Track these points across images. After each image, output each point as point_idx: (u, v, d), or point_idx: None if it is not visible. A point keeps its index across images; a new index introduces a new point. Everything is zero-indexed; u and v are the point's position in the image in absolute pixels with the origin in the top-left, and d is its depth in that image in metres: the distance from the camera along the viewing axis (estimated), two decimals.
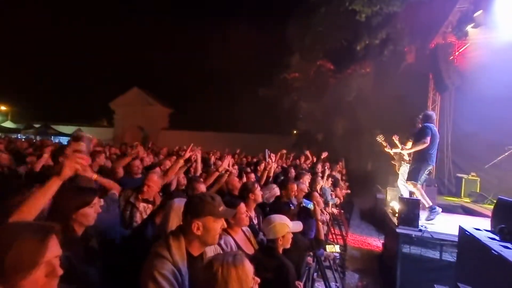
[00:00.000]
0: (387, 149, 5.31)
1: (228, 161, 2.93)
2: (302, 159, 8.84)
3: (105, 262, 1.45)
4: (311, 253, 2.56)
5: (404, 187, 4.95)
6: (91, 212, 1.44)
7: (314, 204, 2.45)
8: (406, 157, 5.05)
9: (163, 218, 1.49)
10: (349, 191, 8.67)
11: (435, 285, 2.06)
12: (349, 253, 6.08)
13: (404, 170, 5.12)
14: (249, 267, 1.09)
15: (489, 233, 2.65)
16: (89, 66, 28.75)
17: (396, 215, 4.45)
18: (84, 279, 1.21)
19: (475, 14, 6.45)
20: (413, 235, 4.14)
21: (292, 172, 4.74)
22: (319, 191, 5.13)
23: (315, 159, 8.15)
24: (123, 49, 29.39)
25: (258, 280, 1.11)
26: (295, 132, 15.77)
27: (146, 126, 22.55)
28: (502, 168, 7.59)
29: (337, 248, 2.91)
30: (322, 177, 5.73)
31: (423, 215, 4.64)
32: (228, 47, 21.93)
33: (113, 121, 24.71)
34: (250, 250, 1.89)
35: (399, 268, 4.17)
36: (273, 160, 4.32)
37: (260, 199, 2.50)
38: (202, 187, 2.61)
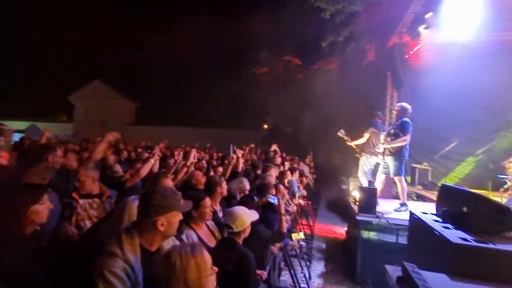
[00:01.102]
0: (349, 143, 5.57)
1: (193, 155, 2.90)
2: (271, 153, 9.01)
3: (57, 263, 1.37)
4: (276, 244, 2.64)
5: (363, 177, 5.29)
6: (42, 209, 1.35)
7: (278, 199, 2.52)
8: (382, 150, 5.14)
9: (116, 216, 1.43)
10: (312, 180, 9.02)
11: (385, 265, 2.23)
12: (316, 241, 6.37)
13: (363, 161, 5.43)
14: (207, 257, 1.10)
15: (434, 216, 2.93)
16: (45, 58, 26.10)
17: (357, 203, 4.75)
18: (28, 281, 1.13)
19: (426, 16, 6.97)
20: (373, 222, 4.45)
21: (260, 165, 4.81)
22: (286, 184, 5.29)
23: (282, 154, 8.34)
24: (83, 40, 27.12)
25: (216, 269, 1.12)
26: (265, 126, 15.97)
27: (110, 121, 21.28)
28: (449, 157, 8.52)
29: (301, 235, 3.04)
30: (291, 171, 5.91)
31: (391, 205, 5.02)
32: (196, 40, 21.33)
33: (73, 115, 22.95)
34: (214, 244, 1.89)
35: (359, 253, 4.46)
36: (240, 155, 4.34)
37: (226, 193, 2.51)
38: (169, 183, 2.57)
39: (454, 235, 2.26)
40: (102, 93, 22.04)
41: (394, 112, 4.93)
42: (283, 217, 2.45)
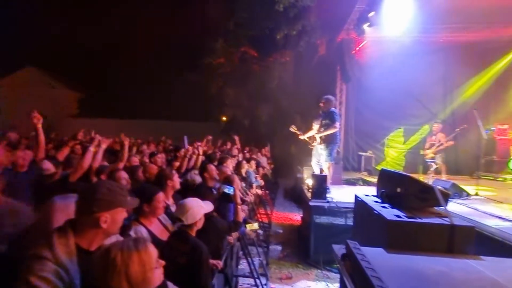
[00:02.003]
0: (301, 137, 5.90)
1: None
2: (229, 145, 9.01)
3: None
4: (233, 234, 2.66)
5: (316, 165, 5.64)
6: None
7: (234, 189, 2.54)
8: (318, 140, 5.61)
9: (41, 220, 1.29)
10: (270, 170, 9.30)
11: (333, 245, 2.41)
12: (273, 229, 6.62)
13: (315, 150, 5.79)
14: (152, 250, 1.05)
15: (374, 197, 3.26)
16: None
17: (310, 190, 5.03)
18: None
19: (369, 15, 7.57)
20: (324, 207, 4.77)
21: (216, 156, 4.76)
22: (244, 174, 5.34)
23: (239, 145, 8.40)
24: (11, 20, 22.95)
25: (163, 262, 1.08)
26: (224, 118, 15.80)
27: (48, 113, 18.77)
28: (389, 145, 9.61)
29: (256, 226, 3.12)
30: (247, 161, 5.98)
31: (340, 190, 5.44)
32: (148, 27, 19.85)
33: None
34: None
35: (312, 236, 4.77)
36: (197, 147, 4.25)
37: (178, 186, 2.44)
38: (124, 176, 2.42)
39: (390, 213, 2.54)
40: (36, 81, 19.37)
41: (321, 104, 5.37)
42: (239, 207, 2.48)
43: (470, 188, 5.03)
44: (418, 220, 2.38)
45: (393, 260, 2.10)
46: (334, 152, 5.41)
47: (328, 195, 4.84)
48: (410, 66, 8.41)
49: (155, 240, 1.61)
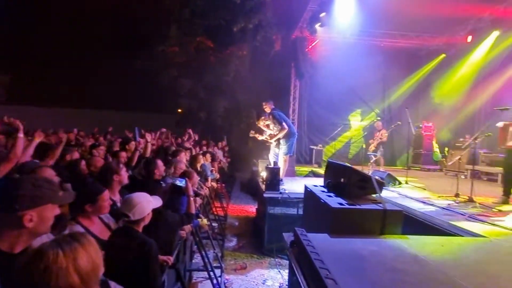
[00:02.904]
0: (260, 138, 6.08)
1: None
2: (186, 137, 8.73)
3: None
4: (185, 228, 2.62)
5: (273, 158, 5.85)
6: None
7: (186, 181, 2.48)
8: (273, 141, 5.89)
9: None
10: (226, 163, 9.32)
11: (283, 233, 2.55)
12: (229, 221, 6.68)
13: (273, 145, 6.00)
14: (95, 242, 0.97)
15: (322, 187, 3.51)
16: None
17: (264, 182, 5.19)
18: None
19: (321, 15, 7.98)
20: (278, 198, 4.96)
21: (170, 150, 4.59)
22: (199, 168, 5.25)
23: (196, 137, 8.23)
24: None
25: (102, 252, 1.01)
26: (179, 110, 15.16)
27: None
28: (336, 139, 10.41)
29: (205, 221, 3.12)
30: (203, 155, 5.89)
31: (293, 182, 5.70)
32: (91, 6, 17.72)
33: None
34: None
35: (266, 226, 4.94)
36: (150, 139, 4.04)
37: (126, 181, 2.30)
38: (50, 174, 2.15)
39: (334, 201, 2.76)
40: None
41: (266, 108, 5.63)
42: (192, 199, 2.44)
43: (402, 178, 5.74)
44: (357, 206, 2.65)
45: (335, 244, 2.31)
46: (293, 145, 5.70)
47: (281, 187, 5.04)
48: (355, 66, 9.19)
49: (96, 240, 1.51)
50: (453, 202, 3.98)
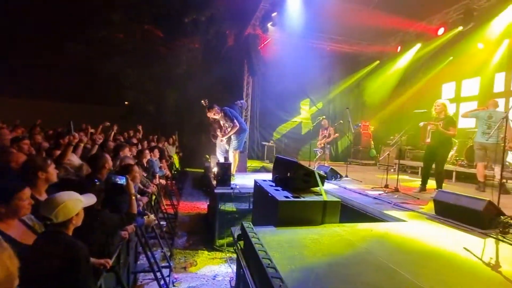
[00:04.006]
0: (214, 136, 6.03)
1: None
2: (132, 132, 8.17)
3: None
4: (128, 228, 2.47)
5: (220, 155, 5.86)
6: None
7: (127, 179, 2.32)
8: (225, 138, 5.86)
9: None
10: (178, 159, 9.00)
11: (231, 228, 2.59)
12: (180, 219, 6.49)
13: (221, 142, 6.00)
14: (9, 248, 0.85)
15: (270, 182, 3.65)
16: None
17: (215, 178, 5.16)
18: None
19: (273, 15, 8.17)
20: (229, 193, 4.99)
21: (111, 145, 4.24)
22: (146, 164, 4.98)
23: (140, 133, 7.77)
24: None
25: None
26: (126, 103, 14.01)
27: None
28: (288, 136, 10.90)
29: (152, 217, 2.98)
30: (151, 150, 5.59)
31: (245, 177, 5.75)
32: None
33: None
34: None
35: (217, 222, 4.94)
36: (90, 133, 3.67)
37: (54, 178, 2.06)
38: None
39: (281, 194, 2.91)
40: None
41: (215, 115, 5.58)
42: (133, 198, 2.29)
43: (343, 171, 6.30)
44: (302, 199, 2.83)
45: (281, 235, 2.44)
46: (243, 141, 5.75)
47: (232, 182, 5.08)
48: (304, 66, 9.71)
49: (15, 245, 1.33)
50: (382, 192, 4.51)
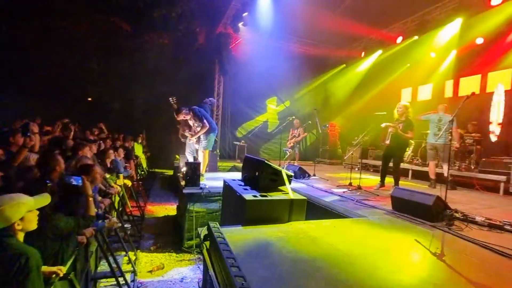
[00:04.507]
0: (183, 136, 5.89)
1: None
2: (96, 131, 7.69)
3: None
4: (86, 232, 2.33)
5: (189, 155, 5.75)
6: None
7: (83, 179, 2.18)
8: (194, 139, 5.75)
9: None
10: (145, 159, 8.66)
11: (198, 229, 2.55)
12: (147, 221, 6.25)
13: (190, 142, 5.88)
14: None
15: (239, 181, 3.66)
16: None
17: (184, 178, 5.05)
18: None
19: (244, 14, 8.17)
20: (198, 193, 4.90)
21: (70, 144, 3.96)
22: (109, 164, 4.73)
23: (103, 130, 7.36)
24: None
25: None
26: (89, 99, 13.10)
27: None
28: (258, 136, 11.01)
29: (114, 219, 2.83)
30: (115, 149, 5.32)
31: (215, 177, 5.68)
32: None
33: None
34: None
35: (186, 223, 4.84)
36: (37, 130, 3.37)
37: None
38: None
39: (249, 194, 2.93)
40: None
41: (185, 117, 5.50)
42: (91, 199, 2.16)
43: (311, 170, 6.51)
44: (269, 197, 2.88)
45: (247, 234, 2.47)
46: (213, 140, 5.67)
47: (202, 182, 5.01)
48: (275, 68, 9.89)
49: None
50: (347, 190, 4.75)
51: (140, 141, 10.35)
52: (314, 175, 6.39)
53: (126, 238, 4.30)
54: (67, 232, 1.89)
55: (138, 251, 4.62)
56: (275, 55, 9.65)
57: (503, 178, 5.34)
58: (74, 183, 2.09)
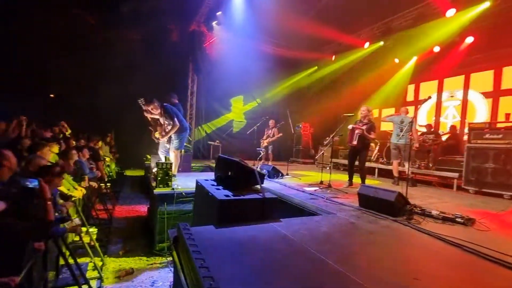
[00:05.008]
0: (155, 137, 5.69)
1: None
2: (57, 129, 7.19)
3: None
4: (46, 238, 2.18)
5: (162, 154, 5.58)
6: None
7: (39, 181, 2.03)
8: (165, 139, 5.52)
9: None
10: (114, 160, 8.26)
11: (169, 230, 2.50)
12: (116, 224, 5.98)
13: (163, 141, 5.72)
14: None
15: (212, 181, 3.63)
16: None
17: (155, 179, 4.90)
18: None
19: (217, 13, 8.11)
20: (171, 194, 4.78)
21: (26, 143, 3.67)
22: (73, 165, 4.45)
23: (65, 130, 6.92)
24: None
25: None
26: (52, 95, 12.16)
27: None
28: (233, 136, 10.99)
29: (76, 222, 2.67)
30: (79, 150, 5.01)
31: (188, 178, 5.54)
32: None
33: None
34: None
35: (157, 226, 4.70)
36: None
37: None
38: None
39: (221, 193, 2.92)
40: None
41: (153, 110, 5.22)
42: (49, 203, 2.01)
43: (284, 170, 6.64)
44: (242, 197, 2.89)
45: (219, 234, 2.46)
46: (184, 140, 5.53)
47: (174, 183, 4.89)
48: (249, 68, 9.95)
49: None
50: (318, 188, 4.92)
51: (108, 140, 9.85)
52: (288, 174, 6.52)
53: (91, 243, 4.08)
54: (21, 238, 1.75)
55: (105, 256, 4.41)
56: (249, 55, 9.69)
57: (455, 175, 5.85)
58: (30, 185, 1.94)
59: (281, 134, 8.51)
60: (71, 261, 2.86)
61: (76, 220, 2.60)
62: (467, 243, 2.51)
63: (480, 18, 6.96)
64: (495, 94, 7.33)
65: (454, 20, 7.43)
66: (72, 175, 4.30)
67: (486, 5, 6.79)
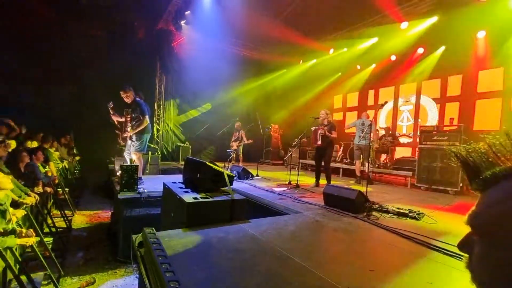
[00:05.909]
0: (122, 140, 5.41)
1: None
2: (4, 130, 6.52)
3: None
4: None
5: (128, 156, 5.32)
6: None
7: None
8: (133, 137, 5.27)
9: None
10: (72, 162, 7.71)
11: (132, 236, 2.41)
12: (76, 233, 5.58)
13: (129, 142, 5.46)
14: None
15: (180, 184, 3.57)
16: None
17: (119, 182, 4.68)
18: None
19: (186, 13, 7.96)
20: (136, 198, 4.59)
21: None
22: (23, 169, 4.09)
23: (21, 130, 6.34)
24: None
25: None
26: None
27: None
28: (203, 137, 10.85)
29: (29, 233, 2.45)
30: (30, 152, 4.60)
31: (155, 180, 5.32)
32: None
33: None
34: None
35: (122, 231, 4.48)
36: None
37: None
38: None
39: (189, 196, 2.89)
40: None
41: (123, 96, 4.98)
42: None
43: (254, 171, 6.72)
44: (210, 199, 2.89)
45: (187, 237, 2.43)
46: (146, 142, 5.29)
47: (140, 186, 4.71)
48: (218, 69, 9.92)
49: None
50: (286, 188, 5.06)
51: (65, 142, 9.15)
52: (258, 175, 6.61)
53: (46, 254, 3.77)
54: None
55: (63, 267, 4.10)
56: (218, 56, 9.66)
57: (409, 173, 6.40)
58: None
59: (251, 141, 8.50)
60: (23, 277, 2.64)
61: (29, 231, 2.39)
62: (417, 235, 2.78)
63: (429, 32, 7.71)
64: (442, 100, 8.13)
65: (407, 31, 8.13)
66: (23, 180, 3.94)
67: (434, 19, 7.53)
